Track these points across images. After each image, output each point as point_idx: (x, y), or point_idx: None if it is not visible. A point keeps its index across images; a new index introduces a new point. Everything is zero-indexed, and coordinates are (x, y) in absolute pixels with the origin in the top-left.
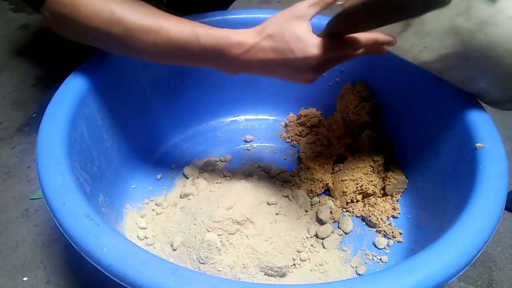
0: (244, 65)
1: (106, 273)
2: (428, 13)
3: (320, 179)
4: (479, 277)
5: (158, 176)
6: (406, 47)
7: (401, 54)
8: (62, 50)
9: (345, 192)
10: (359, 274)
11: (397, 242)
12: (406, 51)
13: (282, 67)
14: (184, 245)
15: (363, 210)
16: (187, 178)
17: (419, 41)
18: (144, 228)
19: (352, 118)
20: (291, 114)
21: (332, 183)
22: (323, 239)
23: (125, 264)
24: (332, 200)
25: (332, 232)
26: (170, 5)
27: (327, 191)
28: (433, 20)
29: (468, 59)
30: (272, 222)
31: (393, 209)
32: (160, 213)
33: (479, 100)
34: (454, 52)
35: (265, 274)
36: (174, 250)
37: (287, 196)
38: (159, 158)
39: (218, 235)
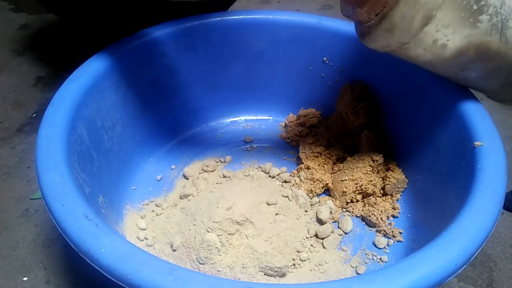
0: None
1: (105, 274)
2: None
3: (320, 179)
4: (479, 277)
5: (158, 177)
6: (428, 43)
7: (419, 55)
8: (62, 50)
9: (345, 192)
10: (359, 274)
11: (397, 241)
12: (427, 50)
13: None
14: (183, 245)
15: (363, 210)
16: (187, 178)
17: (442, 34)
18: (144, 229)
19: (352, 118)
20: (290, 115)
21: (332, 183)
22: (323, 239)
23: (123, 264)
24: (332, 200)
25: (332, 232)
26: (169, 5)
27: (327, 191)
28: (453, 8)
29: (490, 48)
30: (271, 222)
31: (393, 208)
32: (160, 214)
33: (480, 100)
34: (476, 41)
35: (264, 274)
36: (174, 250)
37: (287, 196)
38: (159, 159)
39: (217, 235)
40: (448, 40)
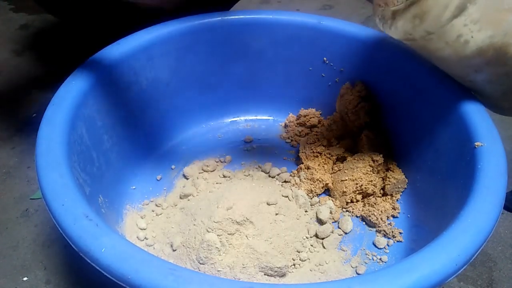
0: None
1: (105, 273)
2: None
3: (320, 179)
4: (479, 277)
5: (158, 177)
6: (452, 37)
7: (439, 48)
8: (62, 50)
9: (345, 192)
10: (359, 274)
11: (397, 241)
12: (449, 44)
13: None
14: (184, 245)
15: (363, 210)
16: (187, 178)
17: (468, 29)
18: (144, 229)
19: (352, 118)
20: (290, 114)
21: (332, 183)
22: (323, 239)
23: (123, 264)
24: (332, 200)
25: (332, 232)
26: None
27: (327, 191)
28: (485, 4)
29: (507, 53)
30: (271, 222)
31: (393, 208)
32: (160, 214)
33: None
34: (498, 42)
35: (264, 274)
36: (174, 250)
37: (286, 196)
38: (159, 158)
39: (217, 235)
40: (472, 37)
